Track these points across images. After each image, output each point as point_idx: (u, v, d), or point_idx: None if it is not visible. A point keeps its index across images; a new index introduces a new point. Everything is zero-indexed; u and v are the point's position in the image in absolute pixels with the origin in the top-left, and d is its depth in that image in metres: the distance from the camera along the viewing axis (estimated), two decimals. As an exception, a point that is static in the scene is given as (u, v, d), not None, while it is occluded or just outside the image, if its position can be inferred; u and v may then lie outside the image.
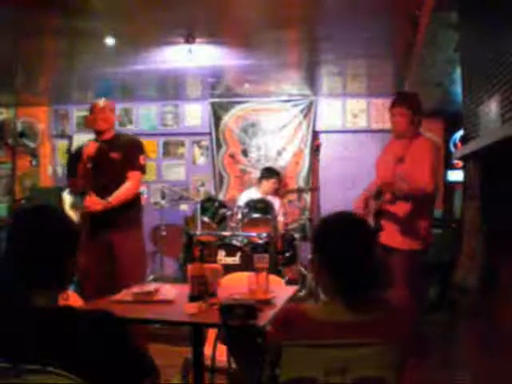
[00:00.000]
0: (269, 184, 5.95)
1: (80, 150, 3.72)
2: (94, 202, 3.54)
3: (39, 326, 1.31)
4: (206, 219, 5.26)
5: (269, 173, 6.03)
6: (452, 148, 6.12)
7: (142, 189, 5.35)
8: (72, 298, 1.94)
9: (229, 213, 5.43)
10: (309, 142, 6.61)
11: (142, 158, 3.71)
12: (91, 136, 3.81)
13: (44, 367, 1.24)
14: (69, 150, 7.12)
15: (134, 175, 3.66)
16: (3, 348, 1.28)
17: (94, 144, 3.63)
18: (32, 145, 6.89)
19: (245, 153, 6.87)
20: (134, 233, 3.68)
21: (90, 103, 3.83)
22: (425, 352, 1.64)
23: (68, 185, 3.97)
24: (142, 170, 3.73)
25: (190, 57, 4.66)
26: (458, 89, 4.09)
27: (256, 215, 5.31)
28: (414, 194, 3.25)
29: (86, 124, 3.79)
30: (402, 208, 3.30)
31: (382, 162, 3.60)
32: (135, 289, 2.55)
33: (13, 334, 1.30)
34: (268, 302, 2.29)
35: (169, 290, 2.52)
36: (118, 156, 3.63)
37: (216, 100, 6.82)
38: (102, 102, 3.76)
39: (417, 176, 3.23)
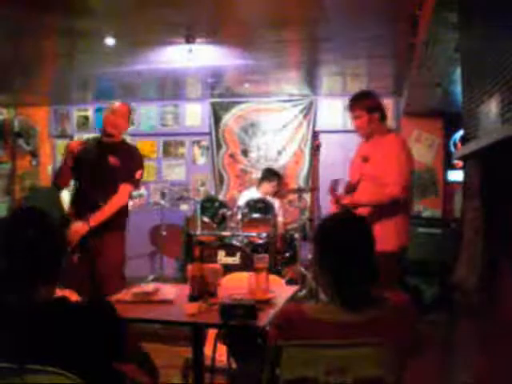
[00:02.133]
0: (269, 186, 5.95)
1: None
2: (74, 232, 3.39)
3: (38, 323, 1.32)
4: (206, 219, 5.26)
5: (270, 175, 6.03)
6: (452, 148, 6.12)
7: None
8: (70, 296, 1.95)
9: (229, 213, 5.44)
10: (309, 142, 6.62)
11: (138, 174, 3.60)
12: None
13: (44, 367, 1.24)
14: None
15: (125, 188, 3.53)
16: (4, 347, 1.28)
17: (77, 143, 3.56)
18: (27, 147, 6.85)
19: (245, 153, 6.87)
20: (114, 239, 3.54)
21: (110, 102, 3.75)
22: (424, 352, 1.63)
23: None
24: (136, 184, 3.62)
25: (190, 57, 4.65)
26: (458, 89, 4.09)
27: (256, 215, 5.31)
28: (380, 202, 3.22)
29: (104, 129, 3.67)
30: (362, 212, 3.21)
31: (352, 163, 3.61)
32: (135, 289, 2.55)
33: (14, 333, 1.30)
34: (268, 302, 2.29)
35: (169, 290, 2.52)
36: (117, 163, 3.53)
37: (216, 100, 6.82)
38: (116, 105, 3.65)
39: (383, 181, 3.19)
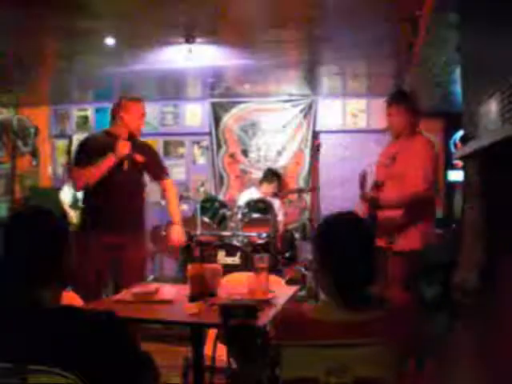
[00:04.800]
0: (270, 187, 5.95)
1: (93, 141, 3.57)
2: (177, 239, 3.64)
3: (41, 325, 1.31)
4: (206, 219, 5.26)
5: (271, 176, 6.02)
6: (452, 148, 6.11)
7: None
8: (72, 299, 1.95)
9: (229, 213, 5.43)
10: (309, 142, 6.61)
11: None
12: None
13: (45, 368, 1.24)
14: (69, 150, 7.14)
15: (169, 184, 3.77)
16: (5, 348, 1.28)
17: (127, 143, 3.45)
18: (24, 148, 6.83)
19: (245, 153, 6.87)
20: (142, 236, 3.70)
21: (128, 99, 3.59)
22: (425, 353, 1.64)
23: (73, 176, 3.67)
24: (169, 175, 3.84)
25: (190, 57, 4.66)
26: (457, 89, 4.10)
27: (256, 215, 5.31)
28: (405, 201, 3.25)
29: (124, 123, 3.50)
30: (395, 212, 3.29)
31: (379, 163, 3.61)
32: (135, 289, 2.55)
33: (15, 335, 1.30)
34: (268, 302, 2.29)
35: (169, 290, 2.52)
36: (142, 159, 3.52)
37: (216, 100, 6.82)
38: (142, 107, 3.58)
39: (409, 178, 3.21)
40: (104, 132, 3.66)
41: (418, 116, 3.40)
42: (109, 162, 3.38)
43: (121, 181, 3.44)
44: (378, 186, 3.37)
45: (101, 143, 3.49)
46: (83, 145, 3.59)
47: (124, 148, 3.41)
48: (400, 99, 3.41)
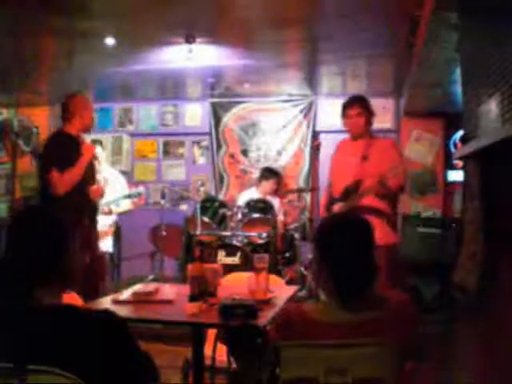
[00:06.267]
0: (268, 185, 5.95)
1: (59, 143, 3.56)
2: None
3: (41, 325, 1.31)
4: (206, 219, 5.26)
5: (268, 173, 6.03)
6: (452, 148, 6.11)
7: (142, 189, 5.37)
8: (72, 299, 1.95)
9: (229, 213, 5.43)
10: (309, 142, 6.61)
11: None
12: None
13: (45, 367, 1.24)
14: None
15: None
16: (5, 348, 1.28)
17: (91, 146, 3.65)
18: (26, 148, 6.82)
19: (245, 153, 6.87)
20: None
21: (82, 96, 3.74)
22: (425, 353, 1.64)
23: (55, 181, 3.37)
24: None
25: (190, 57, 4.66)
26: (458, 89, 4.09)
27: (256, 215, 5.31)
28: (395, 189, 3.43)
29: (82, 121, 3.59)
30: (384, 204, 3.49)
31: (342, 163, 3.69)
32: (135, 289, 2.55)
33: (15, 335, 1.30)
34: (268, 302, 2.29)
35: (169, 290, 2.52)
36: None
37: (216, 100, 6.82)
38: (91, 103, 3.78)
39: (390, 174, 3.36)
40: (62, 132, 3.64)
41: (372, 118, 3.73)
42: (82, 164, 3.49)
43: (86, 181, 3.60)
44: (351, 189, 3.46)
45: (66, 145, 3.53)
46: (52, 147, 3.57)
47: (91, 150, 3.58)
48: (359, 102, 3.70)
